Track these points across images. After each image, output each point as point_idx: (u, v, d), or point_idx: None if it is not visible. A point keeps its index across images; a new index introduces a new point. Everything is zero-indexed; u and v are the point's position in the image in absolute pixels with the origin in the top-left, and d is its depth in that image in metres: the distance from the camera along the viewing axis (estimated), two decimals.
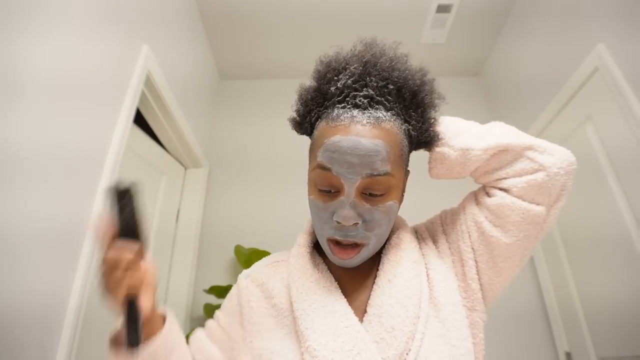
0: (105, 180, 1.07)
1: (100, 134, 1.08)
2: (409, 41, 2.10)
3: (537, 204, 0.53)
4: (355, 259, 0.54)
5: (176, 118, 1.62)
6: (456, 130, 0.57)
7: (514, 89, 1.99)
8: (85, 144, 1.00)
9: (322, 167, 0.52)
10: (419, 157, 0.65)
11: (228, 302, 0.63)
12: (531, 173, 0.53)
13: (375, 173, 0.50)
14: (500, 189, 0.55)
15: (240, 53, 2.20)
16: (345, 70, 0.54)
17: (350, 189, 0.51)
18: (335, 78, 0.54)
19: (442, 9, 1.90)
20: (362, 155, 0.49)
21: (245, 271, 0.65)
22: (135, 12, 1.28)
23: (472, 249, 0.56)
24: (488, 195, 0.57)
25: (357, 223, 0.52)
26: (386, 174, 0.51)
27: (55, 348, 0.88)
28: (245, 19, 1.98)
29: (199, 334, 0.62)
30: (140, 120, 1.51)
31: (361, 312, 0.52)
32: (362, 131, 0.50)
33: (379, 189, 0.52)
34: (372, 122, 0.51)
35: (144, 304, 0.44)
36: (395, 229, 0.63)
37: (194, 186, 1.96)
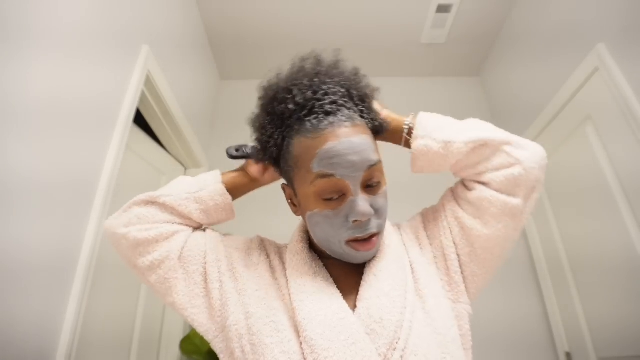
0: (104, 178, 1.08)
1: (100, 128, 1.09)
2: (409, 41, 2.11)
3: (514, 197, 0.56)
4: (376, 247, 0.56)
5: (176, 118, 1.63)
6: (437, 125, 0.60)
7: (514, 89, 1.99)
8: (84, 158, 1.01)
9: (324, 176, 0.53)
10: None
11: (240, 238, 0.67)
12: (508, 167, 0.56)
13: (372, 163, 0.54)
14: (480, 183, 0.59)
15: (240, 53, 2.21)
16: (297, 87, 0.56)
17: (356, 187, 0.53)
18: (289, 96, 0.56)
19: (442, 9, 1.90)
20: (360, 151, 0.53)
21: (259, 235, 0.70)
22: (136, 12, 1.28)
23: (454, 243, 0.59)
24: (467, 188, 0.60)
25: (372, 214, 0.54)
26: (379, 161, 0.55)
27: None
28: (245, 20, 1.99)
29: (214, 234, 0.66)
30: (140, 120, 1.51)
31: (352, 308, 0.54)
32: (348, 132, 0.53)
33: (377, 177, 0.55)
34: (349, 122, 0.54)
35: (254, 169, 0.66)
36: None
37: None
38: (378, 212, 0.56)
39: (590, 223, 1.44)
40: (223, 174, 0.67)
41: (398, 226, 0.69)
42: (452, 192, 0.64)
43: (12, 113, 0.75)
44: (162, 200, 0.62)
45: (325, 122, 0.53)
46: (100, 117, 1.09)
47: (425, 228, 0.65)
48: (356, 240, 0.55)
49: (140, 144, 1.52)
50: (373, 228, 0.55)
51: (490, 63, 2.23)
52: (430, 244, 0.62)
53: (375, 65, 2.28)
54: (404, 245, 0.63)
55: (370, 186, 0.55)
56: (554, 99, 1.61)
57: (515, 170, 0.56)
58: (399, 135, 0.64)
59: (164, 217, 0.62)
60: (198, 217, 0.63)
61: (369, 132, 0.57)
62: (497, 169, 0.57)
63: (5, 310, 0.73)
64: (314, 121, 0.54)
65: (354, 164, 0.52)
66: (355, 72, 0.61)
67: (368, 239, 0.55)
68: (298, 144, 0.55)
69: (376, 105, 0.63)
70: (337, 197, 0.54)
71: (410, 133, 0.62)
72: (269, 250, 0.65)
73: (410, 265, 0.59)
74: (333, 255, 0.59)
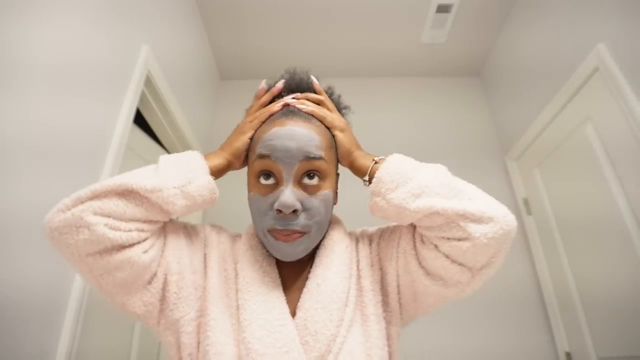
0: (106, 174, 1.07)
1: (101, 127, 1.09)
2: (409, 41, 2.11)
3: (461, 266, 0.52)
4: (297, 245, 0.55)
5: (176, 118, 1.63)
6: (396, 182, 0.54)
7: (514, 88, 1.99)
8: (86, 135, 1.02)
9: (262, 156, 0.55)
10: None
11: (198, 227, 0.62)
12: (458, 240, 0.51)
13: (311, 156, 0.54)
14: (431, 242, 0.55)
15: (240, 53, 2.20)
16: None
17: (289, 175, 0.54)
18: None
19: (442, 9, 1.90)
20: (298, 139, 0.54)
21: (211, 224, 0.65)
22: (136, 12, 1.28)
23: (397, 272, 0.58)
24: (422, 239, 0.56)
25: (297, 210, 0.53)
26: (321, 158, 0.55)
27: (57, 339, 0.90)
28: (245, 19, 1.99)
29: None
30: (140, 120, 1.51)
31: (292, 313, 0.54)
32: (297, 124, 0.56)
33: (316, 173, 0.55)
34: (303, 118, 0.58)
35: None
36: (329, 228, 0.63)
37: None
38: (308, 211, 0.54)
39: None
40: (207, 158, 0.58)
41: (358, 234, 0.66)
42: (414, 228, 0.59)
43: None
44: (147, 195, 0.49)
45: (282, 116, 0.58)
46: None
47: (379, 245, 0.62)
48: (277, 231, 0.54)
49: (141, 144, 1.52)
50: (296, 226, 0.53)
51: (490, 63, 2.23)
52: (379, 262, 0.61)
53: (376, 64, 2.28)
54: (357, 255, 0.61)
55: (306, 184, 0.55)
56: (554, 99, 1.61)
57: (464, 245, 0.50)
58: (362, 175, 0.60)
59: (137, 214, 0.49)
60: (179, 212, 0.53)
61: (326, 134, 0.59)
62: (447, 238, 0.52)
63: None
64: (274, 116, 0.60)
65: (288, 150, 0.54)
66: (331, 91, 0.67)
67: (289, 233, 0.54)
68: (256, 133, 0.60)
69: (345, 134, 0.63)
70: (271, 182, 0.55)
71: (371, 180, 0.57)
72: (224, 241, 0.61)
73: (359, 279, 0.58)
74: (265, 245, 0.58)
